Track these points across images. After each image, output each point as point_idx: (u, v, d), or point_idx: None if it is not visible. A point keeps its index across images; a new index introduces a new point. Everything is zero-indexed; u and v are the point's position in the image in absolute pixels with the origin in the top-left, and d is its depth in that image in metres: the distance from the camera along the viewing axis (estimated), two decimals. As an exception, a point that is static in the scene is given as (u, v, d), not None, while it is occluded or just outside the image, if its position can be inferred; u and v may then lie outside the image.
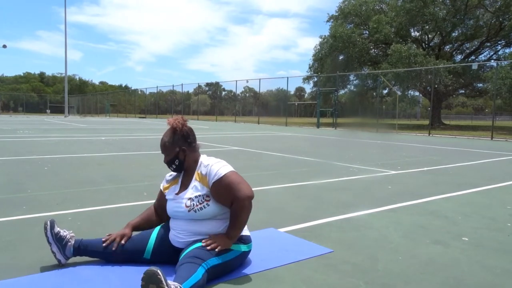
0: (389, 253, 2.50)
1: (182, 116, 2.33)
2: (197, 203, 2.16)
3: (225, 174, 2.15)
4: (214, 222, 2.18)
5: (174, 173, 2.40)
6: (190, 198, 2.18)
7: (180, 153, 2.26)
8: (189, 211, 2.17)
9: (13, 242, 2.57)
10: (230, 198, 2.12)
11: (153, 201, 2.53)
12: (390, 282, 2.07)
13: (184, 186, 2.28)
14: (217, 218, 2.19)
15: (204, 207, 2.15)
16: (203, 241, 2.09)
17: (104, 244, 2.21)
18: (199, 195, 2.18)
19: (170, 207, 2.27)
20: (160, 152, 2.32)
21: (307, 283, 2.04)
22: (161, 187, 2.42)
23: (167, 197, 2.33)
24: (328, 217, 3.34)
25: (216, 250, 2.04)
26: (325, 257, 2.42)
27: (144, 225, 2.37)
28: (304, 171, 5.89)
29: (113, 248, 2.20)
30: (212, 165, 2.23)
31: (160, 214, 2.41)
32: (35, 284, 1.96)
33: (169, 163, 2.29)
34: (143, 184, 4.52)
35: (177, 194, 2.27)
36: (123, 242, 2.22)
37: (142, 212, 2.48)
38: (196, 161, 2.31)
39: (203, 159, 2.32)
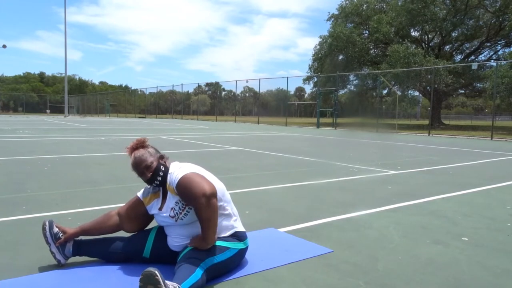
0: (389, 253, 2.50)
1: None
2: (179, 211, 2.14)
3: (180, 178, 2.08)
4: None
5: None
6: (172, 208, 2.16)
7: (161, 160, 2.22)
8: (176, 220, 2.15)
9: (13, 242, 2.57)
10: (191, 204, 2.05)
11: None
12: (390, 282, 2.07)
13: (165, 200, 2.24)
14: None
15: (188, 212, 2.13)
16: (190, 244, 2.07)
17: (57, 243, 2.19)
18: (177, 203, 2.15)
19: (159, 220, 2.26)
20: (138, 171, 2.20)
21: (307, 283, 2.04)
22: (140, 197, 2.33)
23: (151, 212, 2.28)
24: (328, 217, 3.34)
25: (189, 245, 2.05)
26: (325, 257, 2.42)
27: (95, 231, 2.29)
28: (304, 171, 5.89)
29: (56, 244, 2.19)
30: (173, 172, 2.16)
31: (122, 221, 2.30)
32: (35, 284, 1.96)
33: (153, 177, 2.18)
34: (143, 184, 4.50)
35: (160, 209, 2.23)
36: (59, 242, 2.19)
37: (98, 216, 2.38)
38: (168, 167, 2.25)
39: (171, 167, 2.24)
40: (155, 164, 2.19)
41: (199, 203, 1.98)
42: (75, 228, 2.27)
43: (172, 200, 2.17)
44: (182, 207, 2.14)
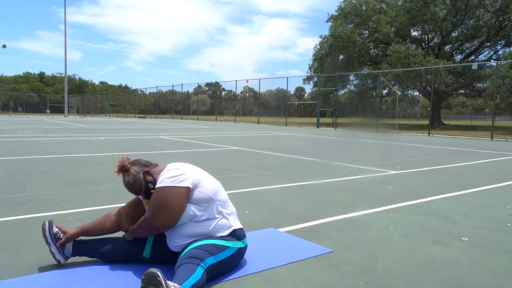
0: (389, 253, 2.50)
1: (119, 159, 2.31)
2: None
3: (156, 188, 2.14)
4: (200, 223, 2.14)
5: None
6: None
7: (147, 176, 2.25)
8: None
9: (13, 242, 2.57)
10: (148, 207, 2.16)
11: None
12: (390, 282, 2.07)
13: None
14: (200, 219, 2.14)
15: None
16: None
17: (58, 244, 2.20)
18: None
19: None
20: (132, 193, 2.29)
21: (307, 283, 2.04)
22: (140, 197, 2.35)
23: None
24: (328, 217, 3.34)
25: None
26: (325, 257, 2.42)
27: (95, 231, 2.30)
28: (304, 171, 5.88)
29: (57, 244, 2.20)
30: (161, 175, 2.19)
31: (122, 221, 2.30)
32: (35, 284, 1.96)
33: (146, 194, 2.25)
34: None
35: None
36: (59, 243, 2.20)
37: (98, 217, 2.39)
38: (159, 172, 2.25)
39: (166, 169, 2.24)
40: (143, 184, 2.25)
41: (144, 222, 2.13)
42: (75, 229, 2.27)
43: None
44: None
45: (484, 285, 2.07)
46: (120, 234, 2.39)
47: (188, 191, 2.12)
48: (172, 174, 2.15)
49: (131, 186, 2.26)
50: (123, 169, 2.28)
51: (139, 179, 2.24)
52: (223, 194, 2.26)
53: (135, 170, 2.26)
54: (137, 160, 2.33)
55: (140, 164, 2.30)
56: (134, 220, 2.30)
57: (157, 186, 2.14)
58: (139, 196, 2.35)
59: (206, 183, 2.20)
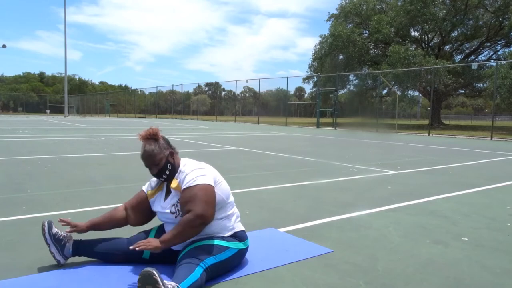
0: (389, 253, 2.50)
1: (150, 127, 2.27)
2: (180, 209, 2.15)
3: (196, 185, 2.09)
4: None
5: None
6: (173, 205, 2.18)
7: (169, 156, 2.22)
8: (175, 217, 2.17)
9: (13, 242, 2.57)
10: (187, 208, 2.06)
11: None
12: (390, 282, 2.07)
13: (168, 194, 2.25)
14: None
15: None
16: (132, 246, 2.04)
17: (67, 231, 2.20)
18: (179, 201, 2.16)
19: (161, 217, 2.28)
20: (146, 164, 2.20)
21: (307, 283, 2.04)
22: (145, 191, 2.35)
23: (154, 209, 2.30)
24: (328, 217, 3.34)
25: (137, 249, 2.00)
26: (325, 257, 2.42)
27: (104, 225, 2.30)
28: (304, 171, 5.88)
29: (66, 231, 2.18)
30: (188, 173, 2.16)
31: (129, 215, 2.31)
32: (35, 284, 1.96)
33: (161, 171, 2.20)
34: (143, 184, 4.50)
35: (162, 204, 2.25)
36: (68, 230, 2.20)
37: (106, 212, 2.37)
38: (179, 165, 2.26)
39: (183, 164, 2.26)
40: (163, 161, 2.19)
41: (194, 220, 2.01)
42: (85, 222, 2.28)
43: (175, 197, 2.18)
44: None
45: (484, 285, 2.07)
46: (121, 234, 2.40)
47: None
48: (204, 173, 2.15)
49: (150, 156, 2.18)
50: (152, 137, 2.21)
51: (163, 155, 2.19)
52: (231, 196, 2.29)
53: (162, 144, 2.23)
54: (166, 139, 2.30)
55: (169, 143, 2.28)
56: (138, 214, 2.30)
57: (203, 182, 2.09)
58: (143, 189, 2.36)
59: (223, 185, 2.23)
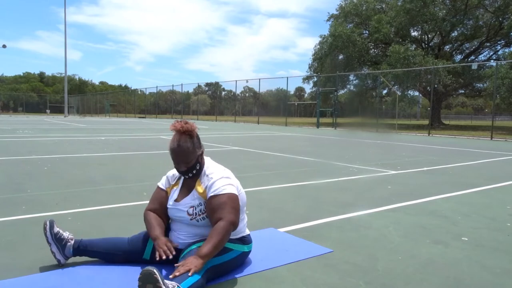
0: (389, 253, 2.50)
1: (185, 120, 2.19)
2: (199, 213, 2.14)
3: (225, 194, 2.10)
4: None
5: (177, 174, 2.30)
6: (192, 207, 2.16)
7: (200, 156, 2.19)
8: (191, 219, 2.16)
9: (13, 242, 2.57)
10: (217, 216, 2.04)
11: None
12: (390, 282, 2.07)
13: (185, 192, 2.22)
14: None
15: (206, 217, 2.14)
16: (171, 275, 1.82)
17: (157, 259, 2.02)
18: (200, 204, 2.15)
19: (172, 213, 2.24)
20: (176, 160, 2.13)
21: (307, 283, 2.04)
22: (163, 188, 2.31)
23: (167, 204, 2.27)
24: (328, 217, 3.34)
25: (189, 274, 1.81)
26: (325, 257, 2.42)
27: (163, 230, 2.22)
28: (304, 171, 5.88)
29: (164, 257, 1.98)
30: (216, 180, 2.14)
31: (164, 216, 2.26)
32: (35, 284, 1.96)
33: (188, 170, 2.15)
34: (143, 184, 4.51)
35: (176, 201, 2.21)
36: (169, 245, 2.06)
37: (149, 222, 2.21)
38: (203, 166, 2.24)
39: (207, 165, 2.24)
40: (194, 161, 2.15)
41: (229, 227, 2.01)
42: (163, 237, 2.12)
43: (196, 199, 2.17)
44: (203, 211, 2.14)
45: (484, 285, 2.07)
46: (121, 234, 2.39)
47: None
48: (231, 182, 2.18)
49: (185, 153, 2.11)
50: (188, 133, 2.14)
51: (196, 153, 2.15)
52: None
53: (196, 143, 2.18)
54: (199, 136, 2.24)
55: (200, 141, 2.23)
56: (166, 211, 2.26)
57: (231, 192, 2.11)
58: (161, 187, 2.31)
59: (242, 194, 2.26)
